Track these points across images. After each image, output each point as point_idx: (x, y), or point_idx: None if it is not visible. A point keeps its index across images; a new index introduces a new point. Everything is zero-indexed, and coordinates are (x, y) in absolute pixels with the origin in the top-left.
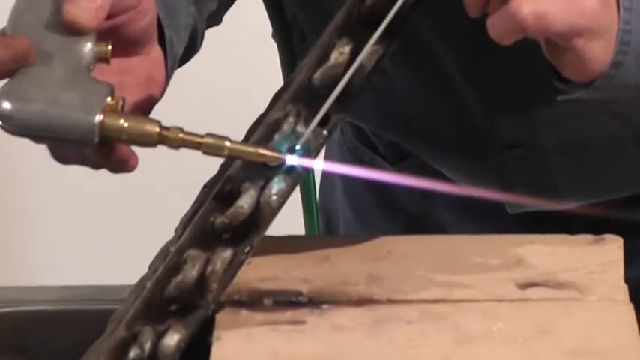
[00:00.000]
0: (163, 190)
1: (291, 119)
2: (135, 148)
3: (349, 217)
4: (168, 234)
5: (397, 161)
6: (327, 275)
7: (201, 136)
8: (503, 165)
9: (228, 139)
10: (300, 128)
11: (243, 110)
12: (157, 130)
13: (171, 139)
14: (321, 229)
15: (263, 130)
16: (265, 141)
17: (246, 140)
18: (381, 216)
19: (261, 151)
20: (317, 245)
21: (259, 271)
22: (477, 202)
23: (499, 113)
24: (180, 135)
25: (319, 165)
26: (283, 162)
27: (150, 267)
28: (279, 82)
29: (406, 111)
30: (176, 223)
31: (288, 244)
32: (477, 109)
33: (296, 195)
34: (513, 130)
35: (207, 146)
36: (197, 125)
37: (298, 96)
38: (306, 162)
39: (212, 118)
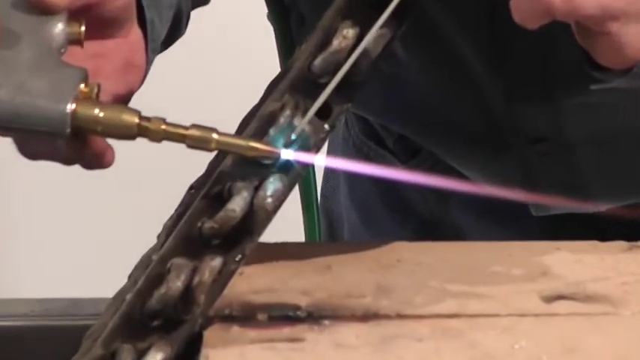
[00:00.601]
0: (144, 191)
1: (288, 111)
2: (112, 142)
3: (354, 221)
4: (150, 241)
5: (408, 157)
6: (329, 287)
7: (186, 128)
8: (526, 162)
9: (216, 130)
10: (298, 121)
11: (234, 101)
12: (137, 120)
13: (152, 130)
14: (322, 235)
15: (257, 123)
16: (259, 135)
17: (235, 134)
18: (389, 220)
19: (254, 143)
20: (318, 253)
21: (253, 283)
22: (497, 203)
23: (521, 104)
24: (163, 126)
25: (320, 162)
26: (278, 157)
27: (129, 278)
28: (275, 69)
29: (418, 101)
30: (159, 228)
31: (285, 252)
32: (497, 100)
33: (294, 196)
34: (537, 122)
35: (193, 139)
36: (183, 117)
37: (296, 85)
38: (305, 159)
39: (199, 109)
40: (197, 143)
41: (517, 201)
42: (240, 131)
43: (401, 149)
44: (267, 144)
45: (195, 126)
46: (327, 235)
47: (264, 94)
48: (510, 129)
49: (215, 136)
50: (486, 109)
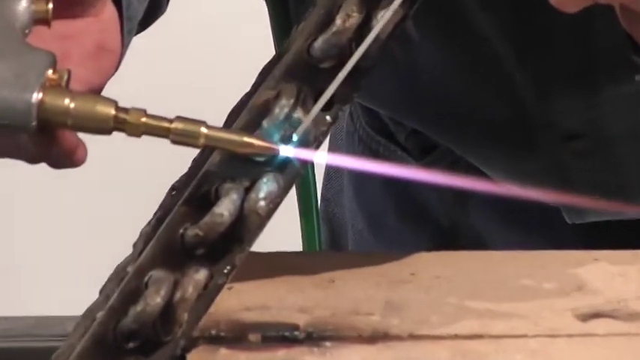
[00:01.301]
0: (118, 192)
1: (284, 101)
2: (83, 136)
3: (361, 228)
4: (125, 250)
5: (422, 155)
6: (332, 303)
7: (170, 120)
8: (559, 160)
9: (204, 123)
10: (295, 113)
11: (222, 91)
12: (113, 112)
13: (130, 123)
14: (323, 244)
15: (248, 114)
16: (251, 129)
17: (226, 128)
18: (402, 226)
19: (249, 139)
20: (318, 264)
21: (244, 298)
22: (526, 208)
23: (555, 95)
24: (143, 118)
25: (321, 159)
26: (276, 154)
27: (101, 293)
28: (269, 52)
29: (435, 90)
30: (135, 235)
31: (281, 263)
32: (527, 90)
33: (291, 199)
34: (573, 116)
35: (178, 133)
36: (166, 109)
37: (293, 71)
38: (304, 155)
39: (184, 100)
40: (183, 138)
41: (548, 206)
42: (228, 123)
43: (414, 145)
44: (264, 139)
45: (180, 118)
46: (328, 243)
47: (257, 81)
48: (541, 123)
49: (204, 130)
50: (514, 100)
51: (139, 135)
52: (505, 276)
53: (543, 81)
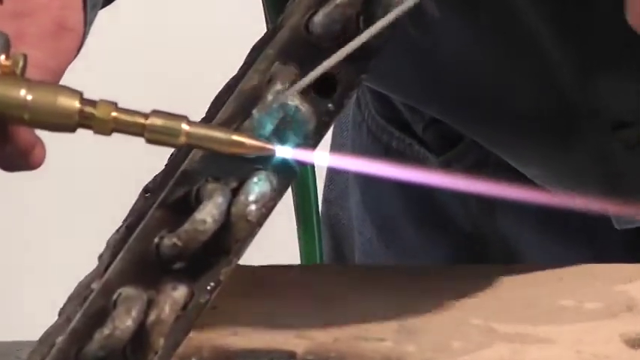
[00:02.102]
0: (81, 194)
1: (278, 85)
2: (42, 134)
3: (369, 236)
4: (89, 263)
5: (443, 149)
6: (335, 326)
7: (146, 115)
8: (605, 154)
9: (186, 119)
10: (291, 99)
11: (204, 74)
12: (77, 105)
13: (98, 119)
14: (325, 255)
15: (235, 101)
16: (239, 118)
17: (209, 118)
18: (417, 233)
19: (238, 137)
20: (319, 279)
21: (230, 320)
22: (563, 212)
23: (600, 78)
24: (113, 113)
25: (324, 160)
26: (271, 155)
27: (61, 314)
28: (260, 30)
29: (458, 72)
30: (101, 245)
31: (274, 278)
32: (567, 72)
33: (287, 203)
34: (622, 102)
35: (155, 130)
36: (141, 103)
37: (289, 51)
38: (304, 157)
39: (160, 90)
40: (160, 137)
41: (591, 209)
42: (212, 112)
43: (434, 137)
44: (256, 137)
45: (157, 113)
46: (331, 254)
47: (246, 61)
48: (584, 111)
49: (185, 126)
50: (552, 83)
51: (108, 132)
52: (540, 294)
53: (586, 62)
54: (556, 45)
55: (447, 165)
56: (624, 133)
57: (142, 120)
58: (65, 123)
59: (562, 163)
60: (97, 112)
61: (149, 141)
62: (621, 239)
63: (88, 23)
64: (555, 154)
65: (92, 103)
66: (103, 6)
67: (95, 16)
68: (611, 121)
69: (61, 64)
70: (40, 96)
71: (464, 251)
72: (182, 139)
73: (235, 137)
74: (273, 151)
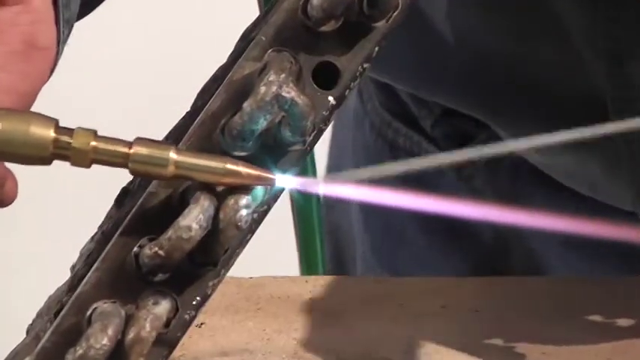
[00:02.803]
0: (53, 197)
1: (272, 76)
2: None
3: (373, 245)
4: (62, 274)
5: (453, 145)
6: (338, 344)
7: (129, 144)
8: (634, 149)
9: (174, 147)
10: (287, 91)
11: (190, 61)
12: (52, 134)
13: (76, 149)
14: (327, 263)
15: (225, 94)
16: (228, 112)
17: (195, 112)
18: (428, 243)
19: (232, 166)
20: (320, 293)
21: (219, 339)
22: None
23: (631, 64)
24: (93, 142)
25: (329, 191)
26: (272, 184)
27: (29, 331)
28: (251, 15)
29: (471, 58)
30: (74, 254)
31: (269, 292)
32: (593, 55)
33: (284, 207)
34: None
35: (140, 160)
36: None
37: (284, 36)
38: (307, 182)
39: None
40: (146, 167)
41: (624, 216)
42: (199, 104)
43: (444, 134)
44: (253, 166)
45: (142, 140)
46: (332, 265)
47: (236, 48)
48: (614, 99)
49: (173, 155)
50: (577, 67)
51: (87, 164)
52: (566, 308)
53: (617, 46)
54: (582, 26)
55: (458, 165)
56: None
57: (124, 149)
58: (39, 155)
59: (589, 167)
60: (75, 142)
61: (134, 172)
62: None
63: (61, 40)
64: (582, 155)
65: (68, 131)
66: (79, 18)
67: (70, 31)
68: None
69: (32, 88)
70: (9, 125)
71: (481, 262)
72: (170, 169)
73: (230, 166)
74: (273, 180)
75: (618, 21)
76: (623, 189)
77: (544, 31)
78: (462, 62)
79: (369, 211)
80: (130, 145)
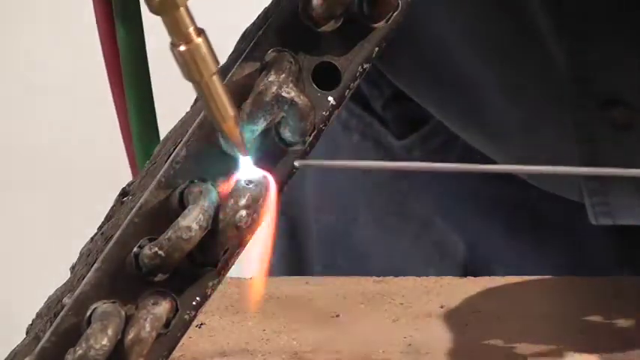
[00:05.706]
0: (51, 197)
1: (272, 76)
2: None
3: (328, 222)
4: (61, 275)
5: (405, 130)
6: (336, 345)
7: (199, 31)
8: (588, 131)
9: (218, 70)
10: (287, 92)
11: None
12: None
13: None
14: (279, 254)
15: None
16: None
17: (194, 112)
18: (380, 229)
19: (233, 119)
20: (317, 292)
21: (219, 339)
22: (539, 206)
23: (589, 45)
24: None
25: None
26: (243, 155)
27: (28, 332)
28: (251, 15)
29: (434, 48)
30: (74, 255)
31: (268, 292)
32: (552, 33)
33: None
34: (612, 74)
35: (192, 50)
36: None
37: (285, 35)
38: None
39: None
40: (187, 59)
41: (566, 202)
42: (196, 104)
43: (395, 116)
44: (243, 135)
45: (207, 39)
46: (288, 255)
47: (236, 49)
48: (572, 79)
49: (213, 72)
50: (536, 45)
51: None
52: (565, 308)
53: (576, 24)
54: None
55: (410, 147)
56: (613, 111)
57: (193, 33)
58: None
59: (539, 140)
60: None
61: (181, 55)
62: (600, 238)
63: None
64: (536, 126)
65: None
66: None
67: None
68: (600, 96)
69: None
70: None
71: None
72: (200, 79)
73: (232, 113)
74: (245, 154)
75: None
76: (570, 182)
77: (503, 6)
78: (430, 55)
79: (326, 192)
80: (199, 32)
